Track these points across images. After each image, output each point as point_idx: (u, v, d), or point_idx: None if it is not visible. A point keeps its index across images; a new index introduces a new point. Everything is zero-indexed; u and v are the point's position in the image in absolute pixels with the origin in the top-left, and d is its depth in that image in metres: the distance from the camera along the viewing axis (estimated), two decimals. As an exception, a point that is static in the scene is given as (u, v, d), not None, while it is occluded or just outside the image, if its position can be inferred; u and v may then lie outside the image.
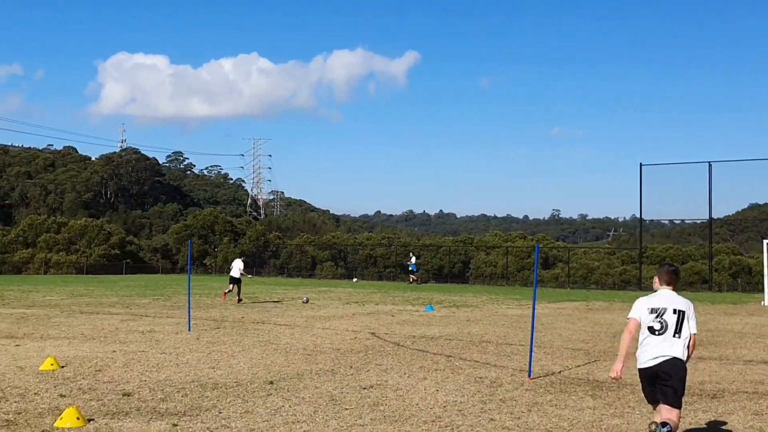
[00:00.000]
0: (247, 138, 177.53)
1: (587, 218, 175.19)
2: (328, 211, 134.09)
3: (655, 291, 6.48)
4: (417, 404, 8.14)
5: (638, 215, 42.43)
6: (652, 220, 50.35)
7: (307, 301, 25.07)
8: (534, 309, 10.77)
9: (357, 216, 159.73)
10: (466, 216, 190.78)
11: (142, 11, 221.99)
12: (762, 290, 28.82)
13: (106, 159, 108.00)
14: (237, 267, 24.72)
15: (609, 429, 7.22)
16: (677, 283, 6.49)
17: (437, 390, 8.97)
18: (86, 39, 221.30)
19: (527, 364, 10.28)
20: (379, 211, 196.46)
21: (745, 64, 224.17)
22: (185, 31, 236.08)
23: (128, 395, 8.43)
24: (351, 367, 10.72)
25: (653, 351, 6.15)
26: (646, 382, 6.30)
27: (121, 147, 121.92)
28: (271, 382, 9.34)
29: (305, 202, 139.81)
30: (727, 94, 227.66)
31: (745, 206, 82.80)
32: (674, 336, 6.07)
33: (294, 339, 14.15)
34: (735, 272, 47.70)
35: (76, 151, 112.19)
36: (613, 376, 6.55)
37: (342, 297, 28.29)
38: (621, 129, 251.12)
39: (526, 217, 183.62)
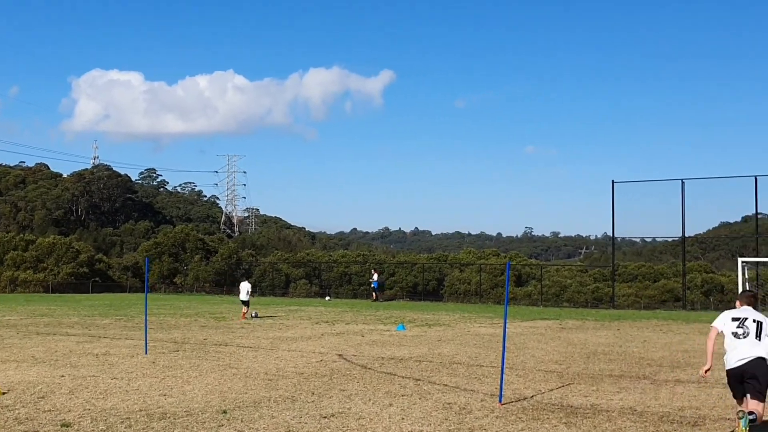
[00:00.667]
0: (222, 155, 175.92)
1: (559, 236, 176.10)
2: (304, 228, 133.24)
3: (737, 308, 7.86)
4: (380, 435, 7.60)
5: (610, 233, 42.28)
6: (623, 238, 50.39)
7: (256, 316, 25.48)
8: (505, 330, 10.28)
9: (333, 233, 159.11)
10: (441, 233, 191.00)
11: (118, 28, 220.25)
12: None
13: (78, 176, 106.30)
14: (245, 290, 26.51)
15: (584, 462, 6.70)
16: (756, 305, 7.86)
17: (402, 418, 8.43)
18: (60, 55, 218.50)
19: (498, 387, 9.77)
20: (355, 229, 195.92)
21: (716, 80, 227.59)
22: (160, 47, 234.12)
23: (67, 426, 7.79)
24: (313, 393, 10.14)
25: (739, 353, 7.31)
26: (733, 380, 7.40)
27: (93, 164, 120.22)
28: (225, 412, 8.73)
29: (281, 219, 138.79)
30: (699, 111, 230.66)
31: (717, 224, 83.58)
32: (756, 339, 7.21)
33: (256, 362, 13.53)
34: (707, 290, 47.69)
35: (48, 168, 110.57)
36: (701, 375, 8.04)
37: (312, 316, 27.63)
38: (594, 147, 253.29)
39: (499, 234, 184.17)
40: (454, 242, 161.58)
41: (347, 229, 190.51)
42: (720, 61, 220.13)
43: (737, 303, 7.97)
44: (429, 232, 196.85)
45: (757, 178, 36.97)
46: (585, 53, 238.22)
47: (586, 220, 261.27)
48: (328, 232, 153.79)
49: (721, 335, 7.69)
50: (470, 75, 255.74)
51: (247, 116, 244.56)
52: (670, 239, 46.35)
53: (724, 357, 7.49)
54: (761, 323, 7.36)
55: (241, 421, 8.24)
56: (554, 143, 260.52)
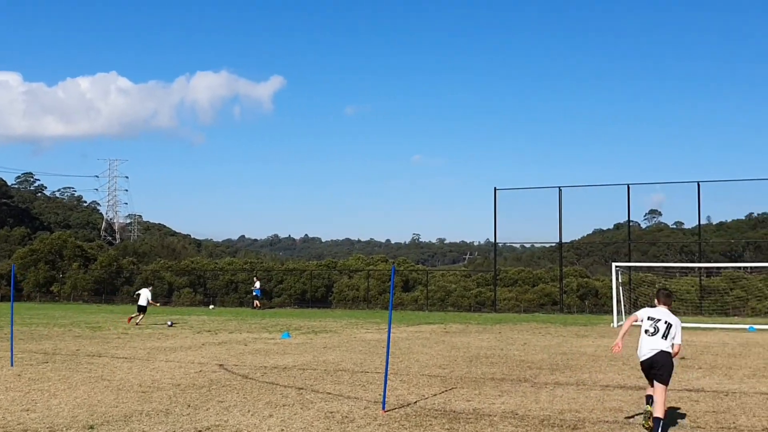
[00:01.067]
0: (104, 159, 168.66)
1: (445, 242, 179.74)
2: (190, 235, 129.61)
3: (655, 306, 8.66)
4: (259, 448, 7.28)
5: (492, 239, 43.32)
6: (505, 244, 51.75)
7: (171, 325, 25.01)
8: (389, 336, 10.17)
9: (220, 241, 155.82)
10: (331, 240, 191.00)
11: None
12: (610, 312, 29.93)
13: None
14: (145, 296, 26.60)
15: (465, 469, 6.62)
16: (670, 303, 8.67)
17: (282, 429, 8.13)
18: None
19: (382, 394, 9.63)
20: (243, 236, 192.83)
21: (591, 89, 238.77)
22: (40, 48, 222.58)
23: None
24: (189, 405, 9.66)
25: (648, 346, 8.33)
26: (645, 368, 8.52)
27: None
28: (92, 427, 8.15)
29: (165, 226, 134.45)
30: (576, 120, 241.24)
31: (591, 231, 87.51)
32: (663, 338, 8.23)
33: (131, 374, 12.84)
34: (583, 294, 49.71)
35: None
36: (614, 351, 8.86)
37: (195, 325, 26.74)
38: (478, 156, 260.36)
39: (388, 241, 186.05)
40: (344, 249, 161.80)
41: (235, 237, 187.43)
42: (592, 71, 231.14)
43: (656, 301, 8.75)
44: (319, 239, 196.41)
45: (630, 186, 38.91)
46: (468, 62, 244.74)
47: (471, 227, 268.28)
48: (214, 240, 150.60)
49: (637, 324, 8.62)
50: (360, 83, 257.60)
51: (131, 119, 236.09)
52: (548, 245, 48.02)
53: (638, 351, 8.54)
54: (671, 325, 8.28)
55: (109, 438, 7.71)
56: (440, 152, 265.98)
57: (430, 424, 8.46)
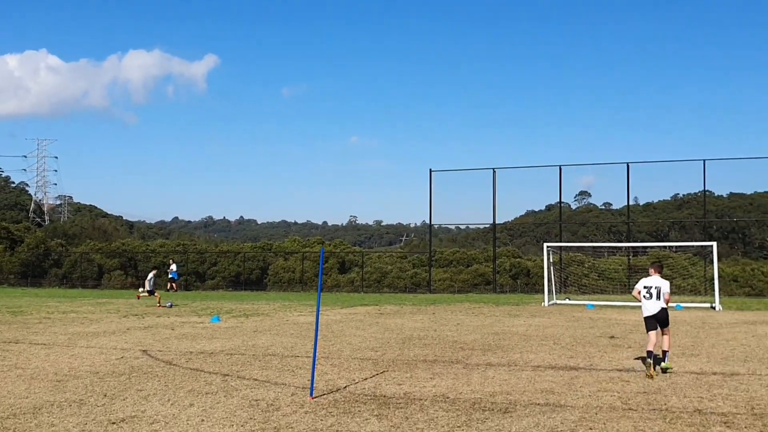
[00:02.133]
0: (32, 139, 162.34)
1: (382, 224, 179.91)
2: (121, 217, 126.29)
3: (650, 275, 11.75)
4: (175, 440, 6.86)
5: (429, 221, 43.36)
6: (440, 225, 51.94)
7: (171, 306, 25.32)
8: (317, 320, 9.81)
9: (153, 222, 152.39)
10: (267, 222, 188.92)
11: None
12: (541, 291, 30.28)
13: None
14: (150, 279, 28.38)
15: (393, 458, 6.34)
16: (661, 271, 11.80)
17: (202, 420, 7.72)
18: None
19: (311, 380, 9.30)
20: (176, 217, 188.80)
21: (523, 73, 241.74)
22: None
23: None
24: (105, 395, 9.14)
25: (651, 307, 11.47)
26: (649, 321, 11.50)
27: None
28: (-5, 422, 7.59)
29: (96, 207, 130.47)
30: (509, 102, 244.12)
31: (524, 212, 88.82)
32: (657, 299, 11.44)
33: (47, 361, 12.18)
34: (515, 274, 50.39)
35: None
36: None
37: (122, 309, 25.89)
38: (414, 138, 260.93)
39: (325, 223, 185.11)
40: (280, 231, 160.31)
41: (168, 218, 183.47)
42: (523, 53, 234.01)
43: (650, 271, 11.81)
44: (254, 221, 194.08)
45: (562, 167, 39.37)
46: (403, 44, 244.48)
47: (408, 209, 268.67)
48: (147, 221, 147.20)
49: (638, 293, 11.67)
50: (296, 63, 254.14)
51: (61, 99, 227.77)
52: (482, 226, 48.36)
53: (642, 308, 11.62)
54: (660, 288, 11.49)
55: (14, 430, 7.17)
56: (377, 134, 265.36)
57: (359, 410, 8.18)
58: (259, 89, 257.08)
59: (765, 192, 68.90)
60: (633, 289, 12.04)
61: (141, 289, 28.56)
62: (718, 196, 79.73)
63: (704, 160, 36.55)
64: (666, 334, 11.55)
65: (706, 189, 41.48)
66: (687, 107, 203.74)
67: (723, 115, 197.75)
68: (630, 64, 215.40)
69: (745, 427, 7.41)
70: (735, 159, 55.92)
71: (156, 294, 27.79)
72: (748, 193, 77.23)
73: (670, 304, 11.89)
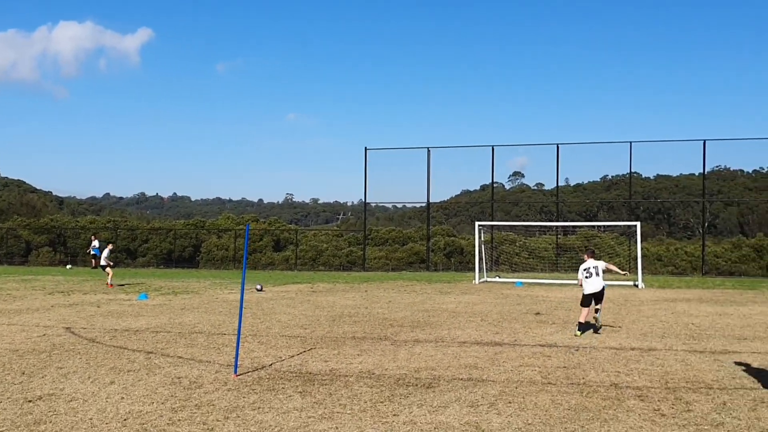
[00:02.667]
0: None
1: (319, 202, 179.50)
2: (51, 192, 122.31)
3: (585, 260, 13.77)
4: (91, 418, 6.71)
5: (364, 199, 43.38)
6: (377, 204, 52.04)
7: (261, 289, 23.54)
8: (242, 296, 9.73)
9: (83, 198, 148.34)
10: (201, 199, 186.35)
11: None
12: (474, 269, 30.72)
13: None
14: (105, 255, 26.35)
15: (314, 434, 6.35)
16: (594, 255, 13.88)
17: (123, 397, 7.58)
18: None
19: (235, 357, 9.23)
20: (108, 194, 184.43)
21: (457, 53, 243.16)
22: None
23: None
24: (23, 373, 8.89)
25: (591, 285, 13.32)
26: (587, 297, 13.33)
27: None
28: None
29: (24, 182, 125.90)
30: (443, 81, 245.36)
31: (459, 192, 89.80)
32: (597, 276, 13.34)
33: (-38, 340, 11.76)
34: (449, 252, 51.01)
35: None
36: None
37: (48, 286, 25.18)
38: (351, 115, 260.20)
39: (261, 200, 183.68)
40: (214, 208, 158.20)
41: (100, 194, 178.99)
42: (457, 33, 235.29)
43: (585, 257, 13.92)
44: (188, 198, 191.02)
45: (494, 147, 39.85)
46: (340, 22, 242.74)
47: (345, 187, 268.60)
48: (78, 197, 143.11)
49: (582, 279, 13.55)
50: (233, 38, 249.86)
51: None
52: (418, 205, 48.64)
53: (583, 286, 13.46)
54: (597, 267, 13.50)
55: None
56: (315, 112, 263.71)
57: (283, 387, 8.17)
58: (194, 64, 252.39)
59: (690, 174, 71.35)
60: (578, 277, 13.78)
61: (107, 274, 25.57)
62: (645, 177, 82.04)
63: (630, 142, 37.45)
64: (599, 306, 13.74)
65: (633, 171, 42.65)
66: (615, 89, 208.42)
67: (650, 97, 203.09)
68: (560, 45, 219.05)
69: (658, 401, 7.68)
70: (661, 141, 57.55)
71: (108, 271, 25.71)
72: (674, 175, 79.89)
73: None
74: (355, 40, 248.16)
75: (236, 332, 12.60)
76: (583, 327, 13.22)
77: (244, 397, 7.66)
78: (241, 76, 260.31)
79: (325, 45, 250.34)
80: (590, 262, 13.61)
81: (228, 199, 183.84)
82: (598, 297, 13.42)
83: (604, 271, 13.58)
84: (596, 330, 13.38)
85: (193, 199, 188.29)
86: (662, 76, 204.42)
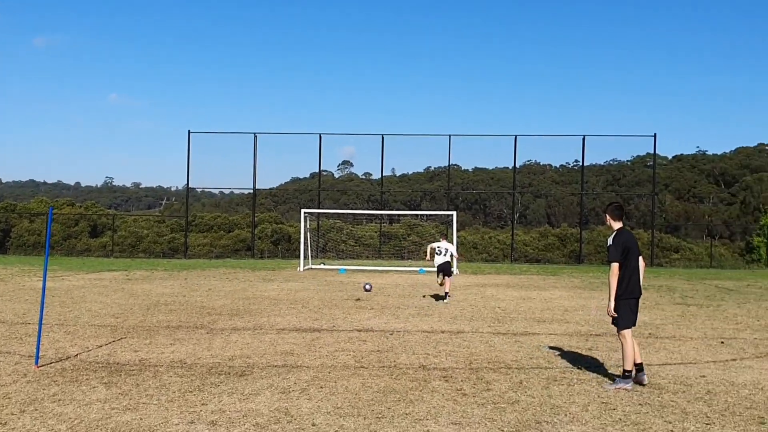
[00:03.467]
0: None
1: (141, 186, 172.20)
2: None
3: (439, 241, 17.50)
4: None
5: (190, 185, 42.17)
6: (203, 190, 50.76)
7: (370, 289, 19.44)
8: (44, 284, 9.20)
9: None
10: (13, 181, 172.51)
11: None
12: (299, 257, 30.83)
13: None
14: None
15: (117, 427, 6.09)
16: (446, 238, 17.69)
17: None
18: None
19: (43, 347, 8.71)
20: None
21: (281, 38, 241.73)
22: None
23: None
24: None
25: (439, 260, 17.01)
26: (439, 270, 17.07)
27: None
28: None
29: None
30: (267, 66, 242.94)
31: (288, 179, 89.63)
32: (444, 255, 17.01)
33: None
34: (276, 240, 50.80)
35: None
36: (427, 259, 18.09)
37: None
38: (175, 97, 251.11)
39: (78, 183, 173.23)
40: (27, 191, 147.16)
41: None
42: (285, 20, 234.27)
43: (440, 238, 17.61)
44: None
45: (322, 135, 40.15)
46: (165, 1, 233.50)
47: (168, 171, 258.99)
48: None
49: (432, 254, 17.36)
50: (52, 11, 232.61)
51: None
52: (245, 191, 47.91)
53: (434, 261, 17.27)
54: (447, 248, 17.23)
55: None
56: (138, 93, 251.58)
57: (87, 378, 7.83)
58: (9, 37, 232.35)
59: (504, 168, 75.55)
60: (426, 250, 18.38)
61: None
62: (464, 170, 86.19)
63: (450, 135, 39.16)
64: (448, 280, 17.15)
65: (453, 163, 44.63)
66: (437, 83, 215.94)
67: (469, 93, 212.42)
68: (387, 34, 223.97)
69: (461, 381, 8.14)
70: (478, 135, 60.64)
71: None
72: (491, 168, 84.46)
73: (422, 269, 16.30)
74: (178, 18, 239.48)
75: (43, 322, 11.88)
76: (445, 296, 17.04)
77: (44, 389, 7.26)
78: (61, 51, 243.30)
79: (149, 23, 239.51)
80: (442, 243, 17.39)
81: (43, 181, 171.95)
82: (445, 270, 17.05)
83: (452, 256, 17.62)
84: (445, 298, 17.00)
85: (3, 181, 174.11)
86: (479, 72, 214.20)
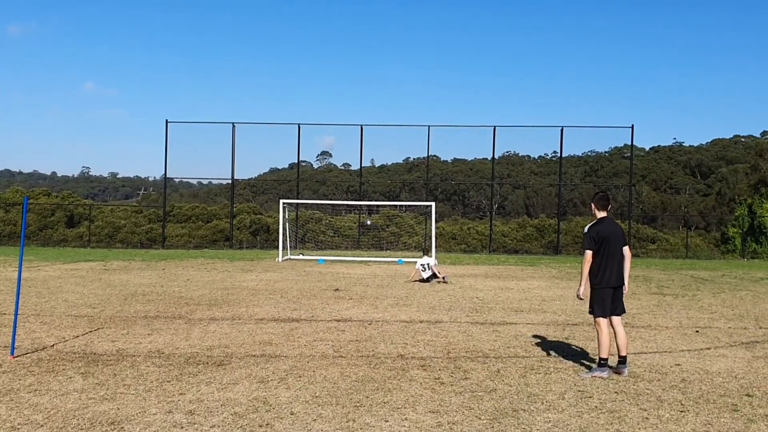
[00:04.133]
0: None
1: (118, 176, 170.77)
2: None
3: (423, 256, 20.72)
4: None
5: (168, 175, 41.88)
6: (181, 180, 50.41)
7: (370, 225, 22.20)
8: (20, 273, 9.10)
9: None
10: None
11: None
12: (278, 247, 30.76)
13: None
14: None
15: (94, 417, 6.07)
16: (430, 252, 23.63)
17: None
18: None
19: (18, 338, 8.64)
20: None
21: (261, 27, 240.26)
22: None
23: None
24: None
25: (425, 275, 19.11)
26: (425, 281, 19.13)
27: None
28: None
29: None
30: (247, 56, 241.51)
31: (267, 170, 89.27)
32: (429, 271, 19.13)
33: None
34: (255, 230, 50.61)
35: None
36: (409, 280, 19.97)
37: None
38: (154, 87, 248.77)
39: (54, 173, 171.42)
40: (2, 181, 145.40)
41: None
42: (264, 7, 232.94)
43: (422, 254, 20.21)
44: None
45: (300, 126, 39.99)
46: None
47: (146, 162, 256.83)
48: None
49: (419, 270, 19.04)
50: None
51: None
52: (224, 182, 47.62)
53: (423, 274, 19.08)
54: (429, 264, 19.16)
55: None
56: (114, 82, 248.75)
57: (64, 369, 7.78)
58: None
59: (483, 159, 75.83)
60: (416, 267, 19.72)
61: None
62: (443, 161, 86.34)
63: (429, 126, 39.13)
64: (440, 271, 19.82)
65: (432, 154, 44.67)
66: (418, 73, 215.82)
67: (448, 83, 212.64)
68: (363, 23, 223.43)
69: (439, 370, 8.19)
70: (457, 126, 60.70)
71: None
72: (469, 159, 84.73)
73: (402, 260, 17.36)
74: (155, 6, 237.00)
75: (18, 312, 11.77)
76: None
77: (19, 380, 7.21)
78: (36, 39, 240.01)
79: (126, 11, 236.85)
80: (426, 259, 19.76)
81: (18, 171, 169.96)
82: (430, 281, 19.19)
83: (433, 272, 19.44)
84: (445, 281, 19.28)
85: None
86: (458, 63, 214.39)
